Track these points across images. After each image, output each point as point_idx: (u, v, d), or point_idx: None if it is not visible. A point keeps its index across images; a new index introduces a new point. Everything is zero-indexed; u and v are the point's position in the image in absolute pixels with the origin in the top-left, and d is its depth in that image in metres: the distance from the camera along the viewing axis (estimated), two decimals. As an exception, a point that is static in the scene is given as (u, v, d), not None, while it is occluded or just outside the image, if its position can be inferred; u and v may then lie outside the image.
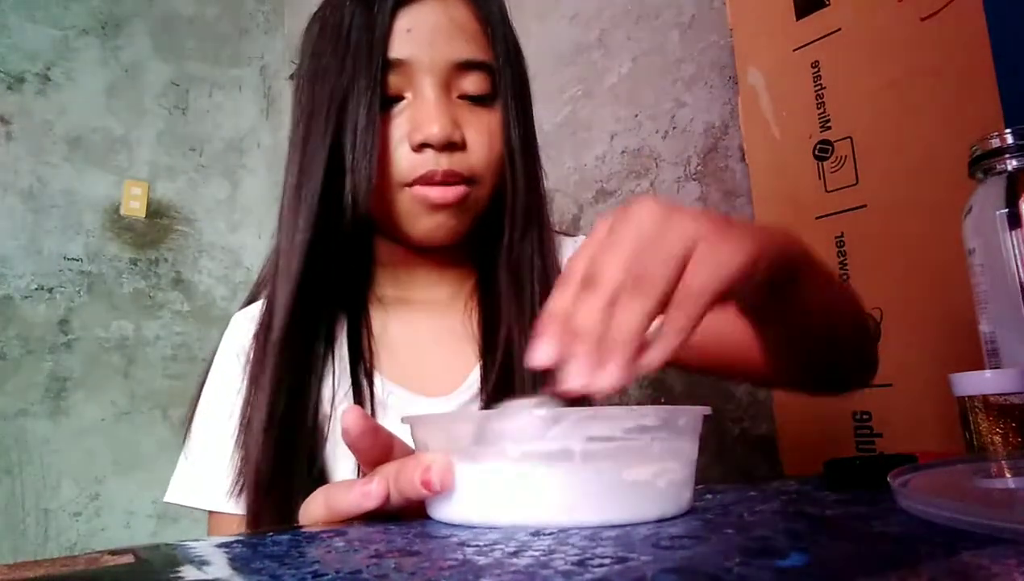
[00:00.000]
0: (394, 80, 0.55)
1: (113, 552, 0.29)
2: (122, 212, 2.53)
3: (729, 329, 0.57)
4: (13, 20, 2.45)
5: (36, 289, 2.35)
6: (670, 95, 1.23)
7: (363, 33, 0.55)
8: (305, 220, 0.56)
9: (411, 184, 0.56)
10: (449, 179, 0.55)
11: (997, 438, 0.44)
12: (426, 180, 0.55)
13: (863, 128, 0.78)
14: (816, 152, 0.82)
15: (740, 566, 0.22)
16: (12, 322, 2.29)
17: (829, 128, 0.81)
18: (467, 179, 0.57)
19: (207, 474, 0.59)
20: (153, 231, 2.58)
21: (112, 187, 2.53)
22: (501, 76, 0.58)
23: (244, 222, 2.80)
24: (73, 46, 2.53)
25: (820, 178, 0.81)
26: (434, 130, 0.54)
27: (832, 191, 0.80)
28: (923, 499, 0.28)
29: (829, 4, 0.80)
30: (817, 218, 0.81)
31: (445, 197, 0.55)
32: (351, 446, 0.37)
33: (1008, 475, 0.35)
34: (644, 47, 1.28)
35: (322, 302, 0.58)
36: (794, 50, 0.84)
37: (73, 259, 2.42)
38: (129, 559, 0.28)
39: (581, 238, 0.72)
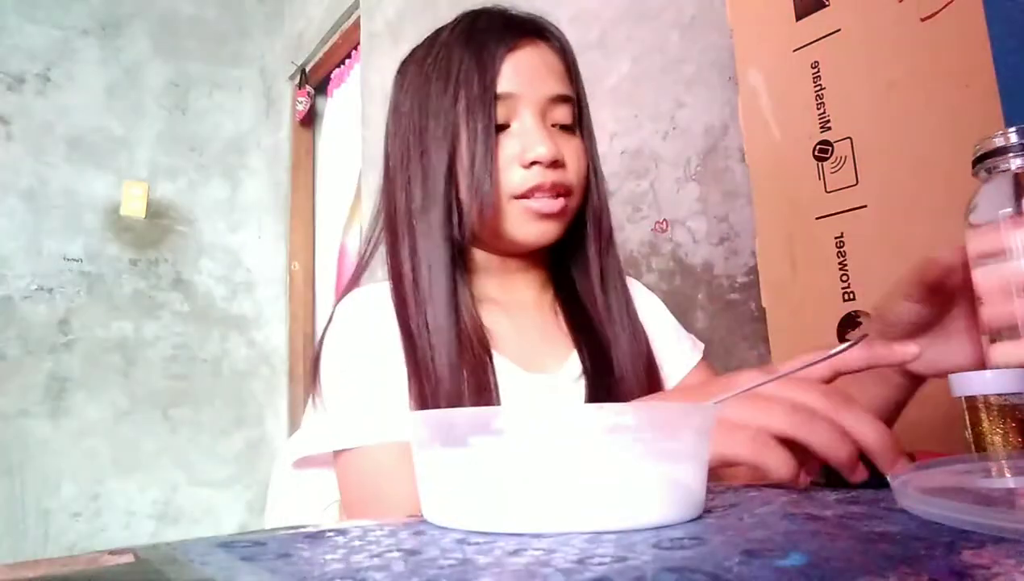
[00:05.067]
0: (500, 111, 0.65)
1: (113, 552, 0.29)
2: (122, 212, 2.53)
3: None
4: (13, 20, 2.45)
5: (36, 289, 2.35)
6: (670, 95, 1.23)
7: (475, 73, 0.65)
8: (437, 238, 0.65)
9: (521, 196, 0.65)
10: (557, 191, 0.65)
11: (997, 438, 0.44)
12: (538, 189, 0.65)
13: (863, 128, 0.78)
14: (816, 152, 0.82)
15: (740, 566, 0.22)
16: (12, 322, 2.29)
17: (829, 128, 0.81)
18: (567, 192, 0.66)
19: (380, 415, 0.62)
20: (153, 231, 2.58)
21: (112, 187, 2.53)
22: (583, 109, 0.71)
23: (244, 222, 2.80)
24: (73, 46, 2.53)
25: (820, 178, 0.81)
26: (542, 150, 0.64)
27: (832, 192, 0.80)
28: (923, 499, 0.28)
29: (829, 5, 0.80)
30: (817, 218, 0.81)
31: (552, 208, 0.65)
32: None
33: (1008, 475, 0.35)
34: (644, 47, 1.28)
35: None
36: (794, 50, 0.84)
37: (73, 259, 2.42)
38: (129, 559, 0.28)
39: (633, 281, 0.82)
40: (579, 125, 0.70)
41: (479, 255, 0.71)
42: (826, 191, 0.80)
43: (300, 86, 2.76)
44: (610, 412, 0.31)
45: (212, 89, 2.82)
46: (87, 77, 2.55)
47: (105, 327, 2.43)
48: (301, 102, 2.74)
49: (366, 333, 0.67)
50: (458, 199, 0.65)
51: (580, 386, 0.68)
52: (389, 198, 0.70)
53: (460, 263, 0.68)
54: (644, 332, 0.72)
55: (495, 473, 0.31)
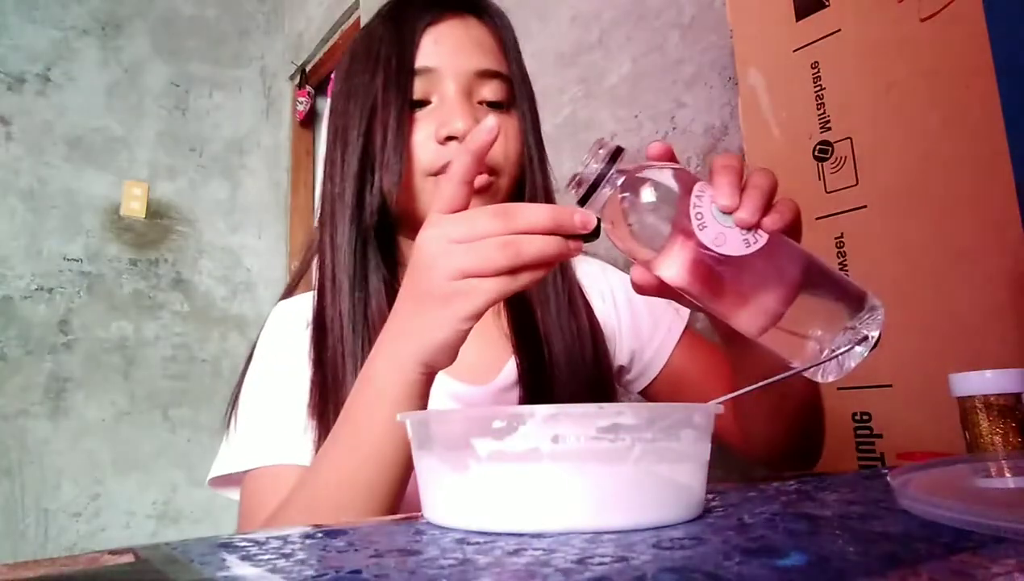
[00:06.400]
0: (420, 86, 0.62)
1: (113, 552, 0.29)
2: (122, 212, 2.52)
3: (693, 362, 0.71)
4: (13, 20, 2.45)
5: (36, 289, 2.34)
6: (670, 96, 1.23)
7: (393, 48, 0.62)
8: (349, 221, 0.62)
9: (437, 173, 0.61)
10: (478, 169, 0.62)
11: (997, 438, 0.44)
12: None
13: (863, 129, 0.78)
14: (816, 153, 0.82)
15: (740, 566, 0.22)
16: (12, 322, 2.29)
17: (829, 129, 0.81)
18: (489, 170, 0.62)
19: (276, 434, 0.60)
20: (153, 232, 2.58)
21: (112, 187, 2.52)
22: (519, 86, 0.66)
23: (244, 223, 2.79)
24: (73, 46, 2.53)
25: (820, 179, 0.81)
26: (459, 125, 0.60)
27: (832, 192, 0.80)
28: (923, 499, 0.28)
29: (829, 5, 0.80)
30: (817, 219, 0.81)
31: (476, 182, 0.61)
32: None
33: (1008, 475, 0.36)
34: (644, 47, 1.28)
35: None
36: (794, 51, 0.84)
37: (73, 259, 2.42)
38: (129, 559, 0.28)
39: (590, 258, 0.76)
40: (514, 104, 0.65)
41: (407, 249, 0.66)
42: (826, 191, 0.80)
43: (300, 86, 2.76)
44: (610, 412, 0.30)
45: (212, 89, 2.81)
46: (87, 77, 2.55)
47: (105, 327, 2.43)
48: (301, 102, 2.74)
49: (280, 350, 0.65)
50: (372, 179, 0.62)
51: (514, 395, 0.64)
52: (321, 189, 0.67)
53: (378, 253, 0.64)
54: (593, 328, 0.67)
55: (495, 473, 0.31)
